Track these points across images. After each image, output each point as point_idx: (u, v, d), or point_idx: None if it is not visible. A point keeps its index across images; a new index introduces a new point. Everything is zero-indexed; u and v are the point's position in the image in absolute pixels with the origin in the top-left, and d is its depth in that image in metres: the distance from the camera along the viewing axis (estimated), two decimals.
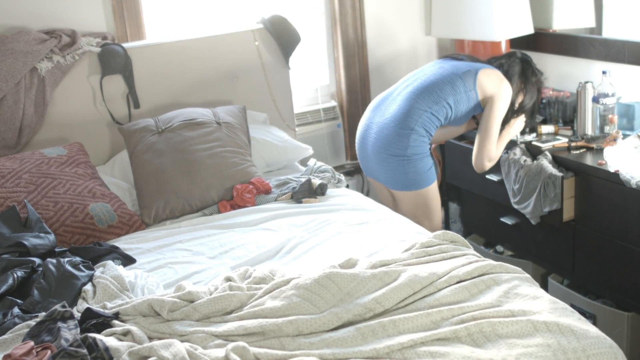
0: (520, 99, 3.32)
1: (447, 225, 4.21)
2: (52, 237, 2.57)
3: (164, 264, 2.56)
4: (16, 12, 3.32)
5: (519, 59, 3.35)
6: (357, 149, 3.38)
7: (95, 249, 2.61)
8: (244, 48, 3.72)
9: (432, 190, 3.23)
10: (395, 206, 3.32)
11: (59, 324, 1.95)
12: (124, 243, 2.75)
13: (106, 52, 3.37)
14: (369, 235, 2.64)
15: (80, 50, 3.33)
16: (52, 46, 3.25)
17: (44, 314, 2.05)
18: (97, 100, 3.41)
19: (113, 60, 3.39)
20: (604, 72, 3.27)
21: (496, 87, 3.18)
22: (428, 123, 3.12)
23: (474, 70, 3.17)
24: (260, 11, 3.88)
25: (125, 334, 1.96)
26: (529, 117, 3.38)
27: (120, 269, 2.40)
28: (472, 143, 3.73)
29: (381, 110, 3.25)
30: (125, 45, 3.45)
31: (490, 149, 3.19)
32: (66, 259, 2.39)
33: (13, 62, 3.15)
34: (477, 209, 3.89)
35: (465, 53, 3.83)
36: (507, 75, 3.26)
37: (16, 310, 2.15)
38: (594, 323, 3.13)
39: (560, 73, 3.87)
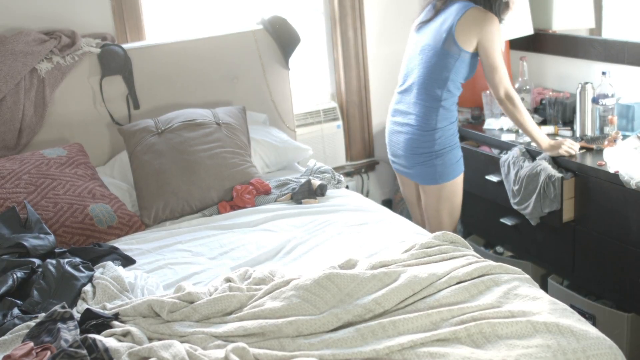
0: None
1: None
2: (51, 237, 2.57)
3: (163, 265, 2.56)
4: (16, 12, 3.32)
5: None
6: (387, 148, 3.40)
7: (95, 249, 2.61)
8: (243, 49, 3.73)
9: (458, 184, 3.24)
10: (418, 203, 3.37)
11: (59, 324, 1.96)
12: (123, 244, 2.75)
13: (106, 53, 3.37)
14: (368, 236, 2.64)
15: (80, 51, 3.33)
16: (52, 47, 3.26)
17: (43, 314, 2.06)
18: (97, 101, 3.41)
19: (113, 61, 3.39)
20: (603, 73, 3.27)
21: (478, 31, 3.03)
22: (447, 111, 3.11)
23: (451, 33, 3.03)
24: (260, 12, 3.88)
25: (125, 334, 1.96)
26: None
27: (120, 270, 2.40)
28: (473, 144, 3.75)
29: (402, 112, 3.25)
30: (125, 46, 3.45)
31: (503, 81, 3.06)
32: (66, 260, 2.40)
33: (13, 63, 3.15)
34: (477, 210, 3.89)
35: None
36: (481, 2, 3.08)
37: (16, 311, 2.15)
38: (594, 324, 3.13)
39: (559, 74, 3.87)
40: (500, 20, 3.11)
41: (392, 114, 3.32)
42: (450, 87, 3.09)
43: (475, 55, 3.09)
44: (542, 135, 3.18)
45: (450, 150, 3.15)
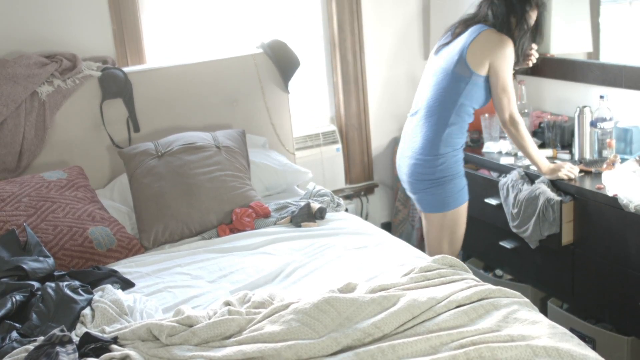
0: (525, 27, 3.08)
1: None
2: (51, 260, 2.57)
3: (163, 288, 2.55)
4: (17, 36, 3.34)
5: None
6: (398, 173, 3.37)
7: (94, 272, 2.61)
8: (243, 72, 3.74)
9: (460, 213, 3.20)
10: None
11: (58, 348, 1.95)
12: (123, 267, 2.75)
13: (107, 76, 3.39)
14: (367, 259, 2.64)
15: (81, 74, 3.35)
16: (53, 70, 3.27)
17: (42, 338, 2.05)
18: (98, 124, 3.42)
19: (113, 84, 3.40)
20: (601, 97, 3.29)
21: (490, 53, 3.01)
22: (452, 137, 3.08)
23: (463, 55, 3.02)
24: (260, 36, 3.90)
25: (124, 358, 1.95)
26: (534, 39, 3.17)
27: (119, 293, 2.39)
28: (472, 167, 3.75)
29: (409, 138, 3.23)
30: (125, 69, 3.47)
31: (510, 104, 3.05)
32: (65, 283, 2.39)
33: (14, 86, 3.17)
34: (476, 233, 3.89)
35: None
36: (499, 26, 3.05)
37: (14, 334, 2.14)
38: (594, 347, 3.12)
39: (558, 97, 3.89)
40: (522, 61, 3.13)
41: (402, 137, 3.31)
42: (460, 112, 3.06)
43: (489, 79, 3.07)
44: (542, 159, 3.18)
45: (453, 179, 3.12)
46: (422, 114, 3.14)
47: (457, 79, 3.03)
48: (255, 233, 2.97)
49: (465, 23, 3.15)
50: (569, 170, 3.14)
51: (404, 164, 3.24)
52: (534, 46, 3.19)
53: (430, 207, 3.19)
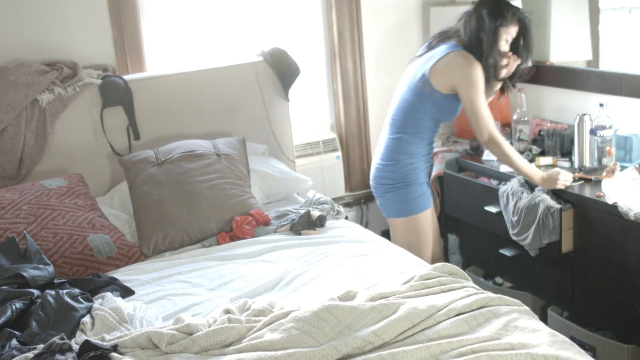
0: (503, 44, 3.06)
1: (446, 257, 4.20)
2: (51, 268, 2.57)
3: (162, 296, 2.55)
4: (18, 44, 3.35)
5: (474, 9, 3.06)
6: None
7: (94, 280, 2.61)
8: (244, 80, 3.75)
9: (416, 222, 3.22)
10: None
11: (57, 356, 1.95)
12: (123, 274, 2.75)
13: (107, 84, 3.39)
14: (368, 267, 2.64)
15: (81, 82, 3.35)
16: (54, 78, 3.28)
17: (42, 346, 2.05)
18: (98, 132, 3.43)
19: (114, 92, 3.41)
20: (601, 105, 3.29)
21: (454, 75, 3.01)
22: (408, 145, 3.14)
23: (425, 73, 3.04)
24: (260, 44, 3.91)
25: None
26: (517, 53, 3.12)
27: (119, 301, 2.39)
28: (472, 175, 3.76)
29: (379, 144, 3.32)
30: (126, 77, 3.48)
31: (486, 125, 3.03)
32: (65, 291, 2.39)
33: (14, 94, 3.17)
34: (476, 241, 3.89)
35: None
36: (468, 41, 3.04)
37: (14, 342, 2.14)
38: (594, 356, 3.12)
39: (557, 105, 3.90)
40: (494, 77, 3.08)
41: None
42: (419, 124, 3.11)
43: (453, 97, 3.07)
44: (533, 170, 3.18)
45: (408, 186, 3.17)
46: (388, 121, 3.24)
47: (418, 94, 3.09)
48: (255, 241, 2.97)
49: (441, 36, 3.20)
50: (564, 180, 3.14)
51: (372, 169, 3.34)
52: (510, 54, 3.10)
53: (388, 211, 3.29)
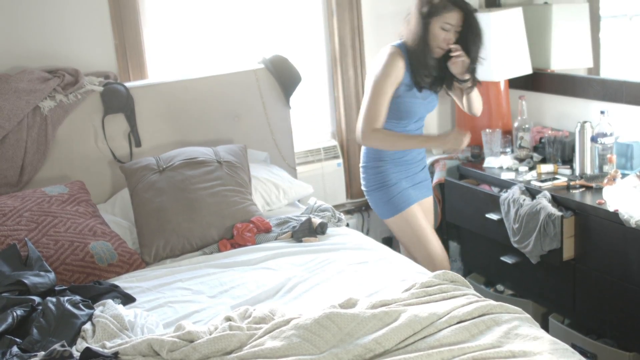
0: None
1: None
2: (52, 275, 2.57)
3: (163, 303, 2.55)
4: (20, 51, 3.35)
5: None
6: None
7: (95, 287, 2.61)
8: (245, 87, 3.76)
9: (403, 222, 3.22)
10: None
11: None
12: (124, 282, 2.75)
13: (108, 91, 3.40)
14: (369, 274, 2.64)
15: (83, 89, 3.36)
16: (55, 85, 3.28)
17: (43, 353, 2.04)
18: (99, 139, 3.43)
19: (115, 99, 3.41)
20: (602, 112, 3.30)
21: (372, 71, 3.08)
22: (372, 150, 3.18)
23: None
24: (262, 51, 3.92)
25: None
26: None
27: (120, 308, 2.39)
28: (473, 182, 3.76)
29: None
30: (127, 84, 3.48)
31: (359, 123, 3.04)
32: (66, 298, 2.39)
33: (16, 101, 3.18)
34: (477, 248, 3.89)
35: None
36: (406, 38, 3.01)
37: (15, 349, 2.14)
38: None
39: (558, 113, 3.90)
40: (420, 84, 3.03)
41: None
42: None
43: (394, 92, 3.02)
44: (419, 141, 3.14)
45: (379, 189, 3.21)
46: None
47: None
48: (257, 248, 2.97)
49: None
50: (455, 140, 3.03)
51: None
52: (454, 47, 2.96)
53: (378, 213, 3.33)
